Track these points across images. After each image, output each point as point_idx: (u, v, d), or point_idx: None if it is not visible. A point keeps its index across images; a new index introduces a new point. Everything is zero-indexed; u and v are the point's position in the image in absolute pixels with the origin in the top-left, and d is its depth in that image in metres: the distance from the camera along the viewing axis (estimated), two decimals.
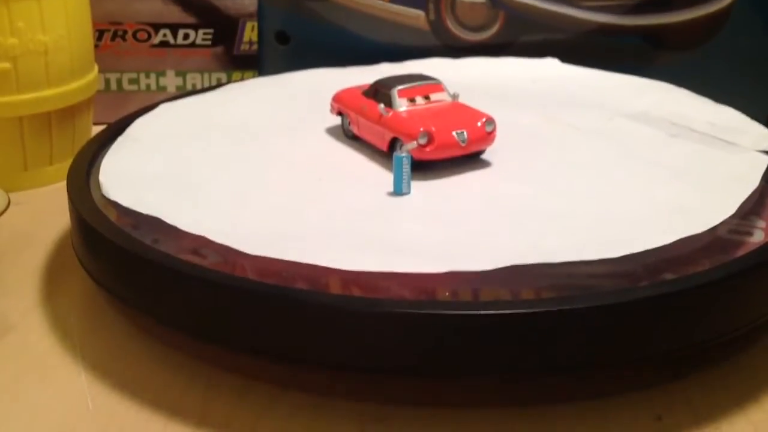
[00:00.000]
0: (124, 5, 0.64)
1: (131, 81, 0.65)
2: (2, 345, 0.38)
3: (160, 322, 0.36)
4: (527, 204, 0.40)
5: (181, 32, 0.65)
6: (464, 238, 0.37)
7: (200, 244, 0.37)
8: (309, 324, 0.32)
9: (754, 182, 0.42)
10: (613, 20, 0.61)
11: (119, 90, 0.65)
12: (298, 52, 0.64)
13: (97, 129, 0.51)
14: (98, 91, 0.59)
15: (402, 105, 0.45)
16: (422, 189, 0.42)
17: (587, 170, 0.44)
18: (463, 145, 0.44)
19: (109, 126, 0.50)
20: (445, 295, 0.34)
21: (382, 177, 0.44)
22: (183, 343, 0.37)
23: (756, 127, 0.48)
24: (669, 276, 0.34)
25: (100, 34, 0.64)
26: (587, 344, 0.32)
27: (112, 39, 0.64)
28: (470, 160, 0.45)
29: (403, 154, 0.41)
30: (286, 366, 0.35)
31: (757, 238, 0.38)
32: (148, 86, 0.65)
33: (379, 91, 0.46)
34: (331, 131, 0.50)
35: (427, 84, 0.47)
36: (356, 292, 0.34)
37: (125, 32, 0.64)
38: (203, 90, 0.56)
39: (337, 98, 0.49)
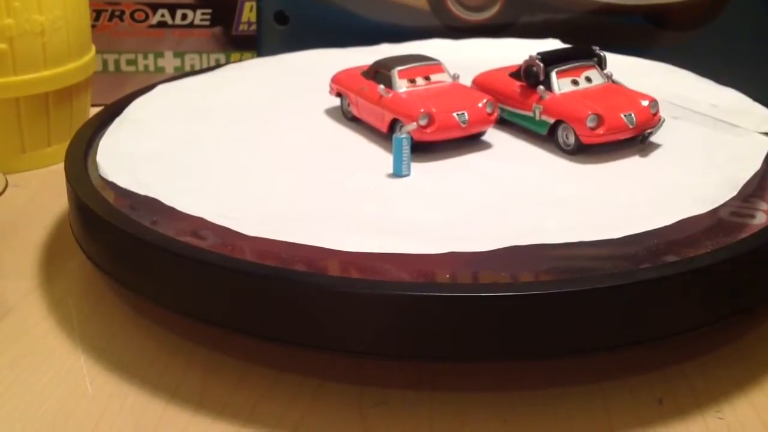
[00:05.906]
0: None
1: (129, 62, 0.65)
2: (1, 327, 0.38)
3: (158, 305, 0.36)
4: (527, 186, 0.40)
5: (179, 12, 0.64)
6: (464, 219, 0.37)
7: (199, 225, 0.36)
8: (308, 306, 0.32)
9: (756, 164, 0.41)
10: (614, 0, 0.60)
11: (117, 71, 0.65)
12: (297, 32, 0.63)
13: (94, 110, 0.51)
14: (96, 72, 0.58)
15: (402, 86, 0.45)
16: (422, 170, 0.42)
17: (588, 152, 0.44)
18: (463, 126, 0.43)
19: (107, 107, 0.50)
20: (444, 276, 0.33)
21: (381, 158, 0.43)
22: (182, 326, 0.37)
23: (758, 108, 0.48)
24: (670, 258, 0.34)
25: (97, 14, 0.63)
26: (587, 327, 0.32)
27: (110, 19, 0.64)
28: (471, 141, 0.45)
29: (403, 136, 0.41)
30: (286, 349, 0.35)
31: (759, 220, 0.38)
32: (146, 67, 0.65)
33: (379, 72, 0.46)
34: (331, 112, 0.49)
35: (427, 65, 0.46)
36: (355, 274, 0.34)
37: (123, 12, 0.64)
38: (201, 71, 0.56)
39: (336, 79, 0.49)
